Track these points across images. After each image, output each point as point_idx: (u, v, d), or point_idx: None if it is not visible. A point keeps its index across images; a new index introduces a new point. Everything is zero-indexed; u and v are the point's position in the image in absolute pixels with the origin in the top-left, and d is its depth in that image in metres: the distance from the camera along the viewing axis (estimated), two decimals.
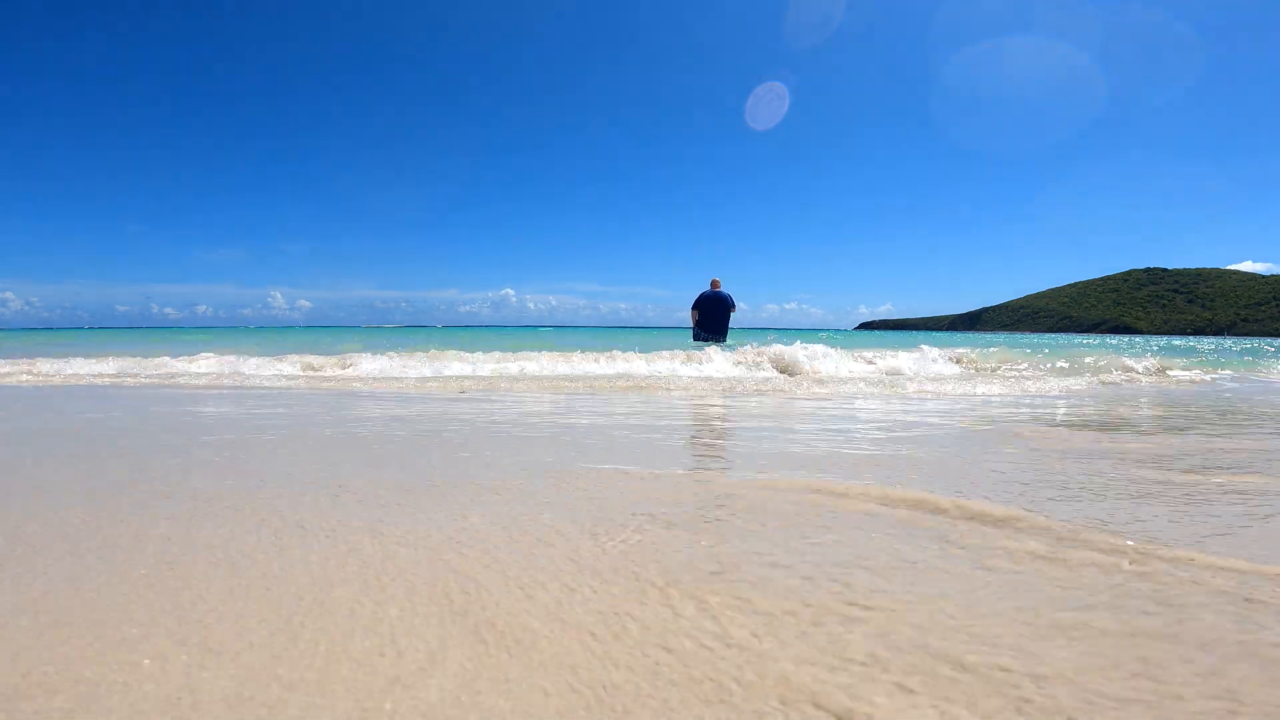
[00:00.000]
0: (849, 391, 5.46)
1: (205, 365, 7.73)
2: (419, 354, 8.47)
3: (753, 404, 4.57)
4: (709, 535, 1.48)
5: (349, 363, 7.84)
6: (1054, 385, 6.15)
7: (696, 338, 9.80)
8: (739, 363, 7.86)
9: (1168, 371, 8.48)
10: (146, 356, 8.53)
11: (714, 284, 9.93)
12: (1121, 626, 1.01)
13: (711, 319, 9.84)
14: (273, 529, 1.51)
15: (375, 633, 1.00)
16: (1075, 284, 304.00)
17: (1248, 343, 36.01)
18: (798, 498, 1.80)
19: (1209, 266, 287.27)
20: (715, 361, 7.85)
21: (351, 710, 0.80)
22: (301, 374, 7.12)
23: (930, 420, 3.54)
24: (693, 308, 9.89)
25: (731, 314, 9.91)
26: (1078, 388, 6.02)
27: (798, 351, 7.90)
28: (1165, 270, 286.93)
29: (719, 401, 4.74)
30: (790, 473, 2.16)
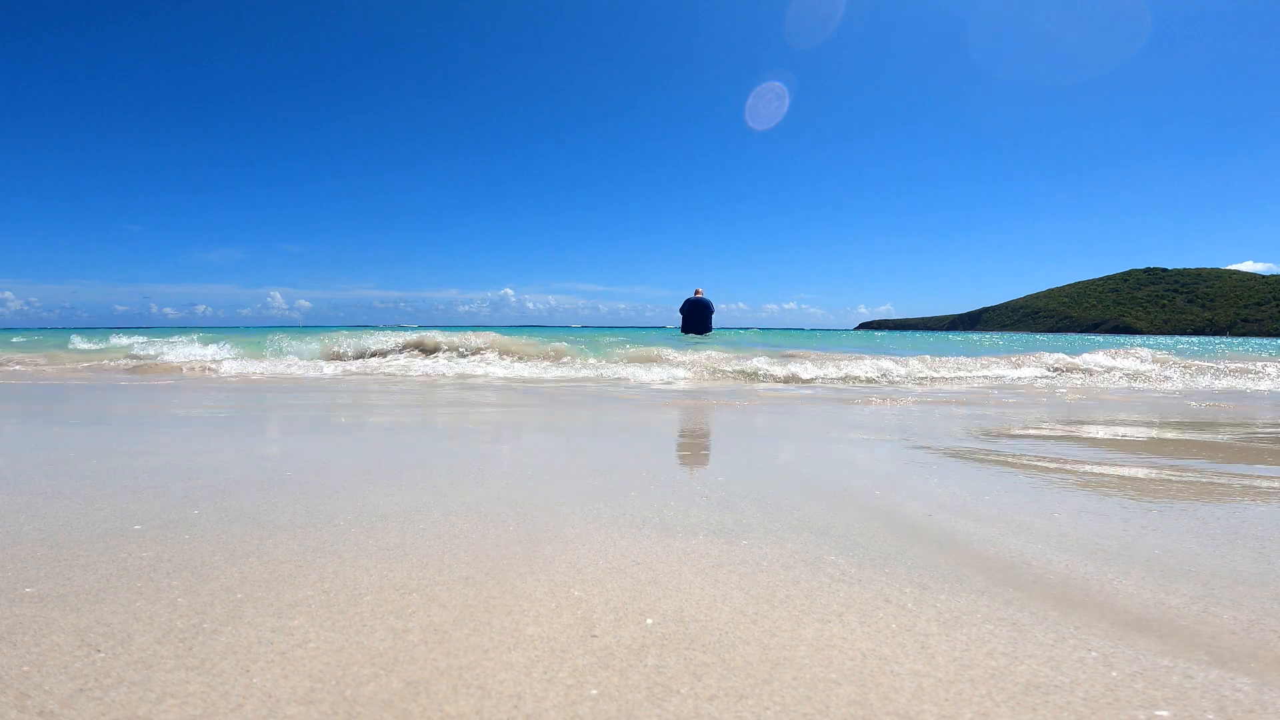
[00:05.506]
0: None
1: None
2: None
3: None
4: None
5: None
6: None
7: (685, 331, 12.83)
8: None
9: None
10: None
11: (697, 292, 12.88)
12: None
13: (695, 319, 12.82)
14: None
15: None
16: (1075, 284, 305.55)
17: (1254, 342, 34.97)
18: None
19: (1209, 266, 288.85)
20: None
21: None
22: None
23: None
24: (680, 310, 12.85)
25: (712, 315, 12.90)
26: None
27: None
28: (1165, 270, 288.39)
29: None
30: None
